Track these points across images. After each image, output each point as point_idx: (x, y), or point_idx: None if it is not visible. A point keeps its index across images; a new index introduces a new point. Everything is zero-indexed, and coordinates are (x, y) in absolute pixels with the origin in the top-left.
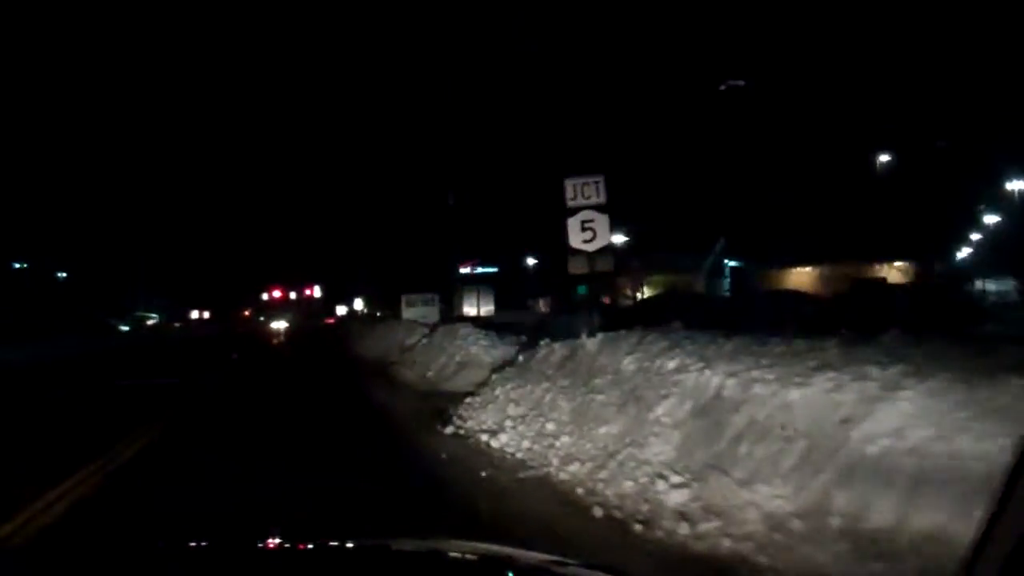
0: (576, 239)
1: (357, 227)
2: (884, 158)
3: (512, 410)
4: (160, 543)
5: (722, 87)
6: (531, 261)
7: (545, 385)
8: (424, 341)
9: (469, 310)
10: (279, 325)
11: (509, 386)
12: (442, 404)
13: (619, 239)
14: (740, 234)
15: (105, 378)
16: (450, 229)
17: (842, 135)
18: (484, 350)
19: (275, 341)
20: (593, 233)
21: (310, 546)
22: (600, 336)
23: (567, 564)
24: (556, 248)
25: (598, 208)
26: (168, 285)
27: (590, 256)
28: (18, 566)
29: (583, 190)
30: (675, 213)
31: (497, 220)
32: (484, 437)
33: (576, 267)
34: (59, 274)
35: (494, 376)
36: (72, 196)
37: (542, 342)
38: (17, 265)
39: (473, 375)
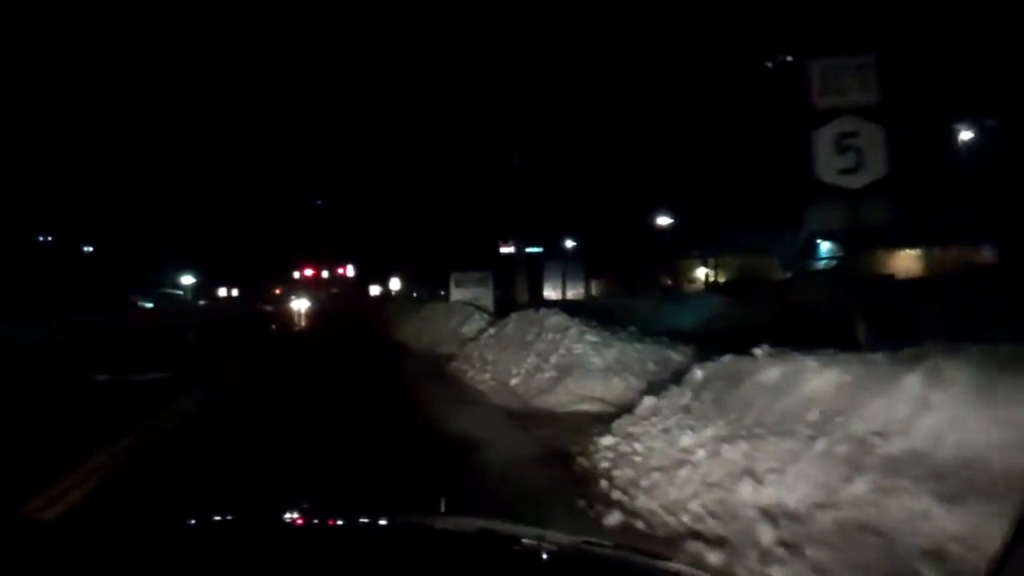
0: (828, 166)
1: (392, 199)
2: (966, 134)
3: (745, 491)
4: (188, 521)
5: (768, 64)
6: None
7: (842, 449)
8: (491, 331)
9: (551, 292)
10: (310, 305)
11: (709, 432)
12: (558, 440)
13: (665, 220)
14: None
15: (86, 369)
16: (514, 196)
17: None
18: (594, 349)
19: (305, 323)
20: (858, 156)
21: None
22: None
23: (599, 545)
24: (614, 224)
25: (866, 112)
26: (198, 261)
27: (853, 197)
28: (44, 540)
29: (839, 80)
30: (741, 190)
31: (544, 193)
32: (711, 553)
33: (827, 218)
34: (85, 248)
35: (648, 401)
36: (101, 168)
37: (757, 350)
38: (41, 238)
39: (585, 386)
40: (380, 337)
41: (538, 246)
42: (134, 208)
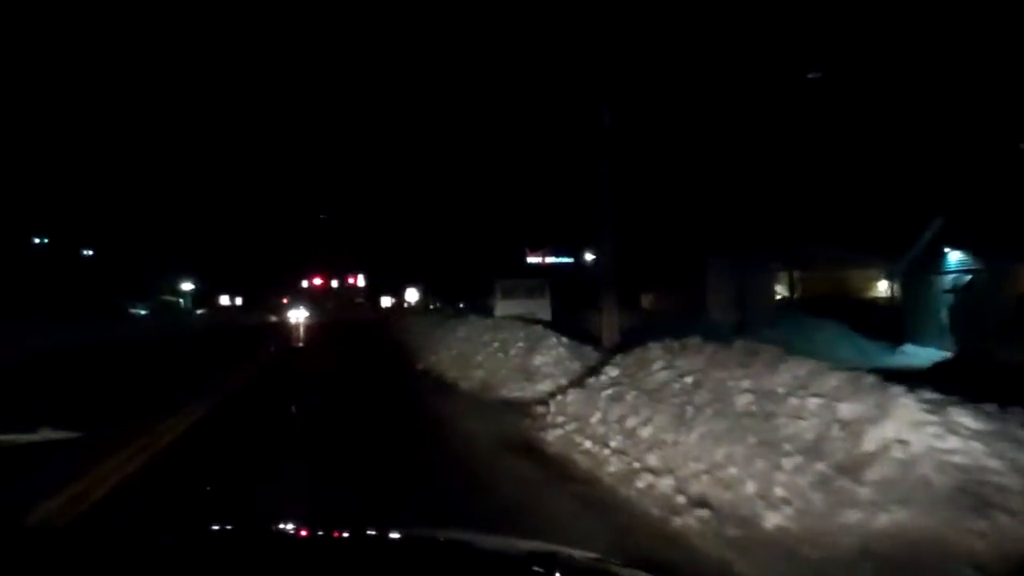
0: None
1: (408, 204)
2: None
3: None
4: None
5: (810, 75)
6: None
7: None
8: (611, 372)
9: (720, 313)
10: (318, 318)
11: None
12: None
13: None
14: (959, 218)
15: None
16: (607, 169)
17: None
18: (986, 447)
19: (310, 340)
20: None
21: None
22: None
23: (609, 562)
24: (666, 231)
25: None
26: (201, 268)
27: None
28: (47, 549)
29: None
30: (829, 195)
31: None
32: None
33: None
34: (85, 252)
35: None
36: (104, 170)
37: None
38: (38, 240)
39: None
40: (404, 364)
41: (568, 256)
42: (137, 211)
